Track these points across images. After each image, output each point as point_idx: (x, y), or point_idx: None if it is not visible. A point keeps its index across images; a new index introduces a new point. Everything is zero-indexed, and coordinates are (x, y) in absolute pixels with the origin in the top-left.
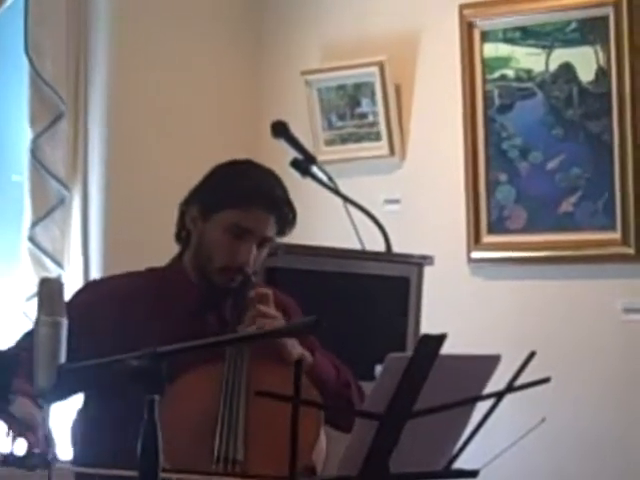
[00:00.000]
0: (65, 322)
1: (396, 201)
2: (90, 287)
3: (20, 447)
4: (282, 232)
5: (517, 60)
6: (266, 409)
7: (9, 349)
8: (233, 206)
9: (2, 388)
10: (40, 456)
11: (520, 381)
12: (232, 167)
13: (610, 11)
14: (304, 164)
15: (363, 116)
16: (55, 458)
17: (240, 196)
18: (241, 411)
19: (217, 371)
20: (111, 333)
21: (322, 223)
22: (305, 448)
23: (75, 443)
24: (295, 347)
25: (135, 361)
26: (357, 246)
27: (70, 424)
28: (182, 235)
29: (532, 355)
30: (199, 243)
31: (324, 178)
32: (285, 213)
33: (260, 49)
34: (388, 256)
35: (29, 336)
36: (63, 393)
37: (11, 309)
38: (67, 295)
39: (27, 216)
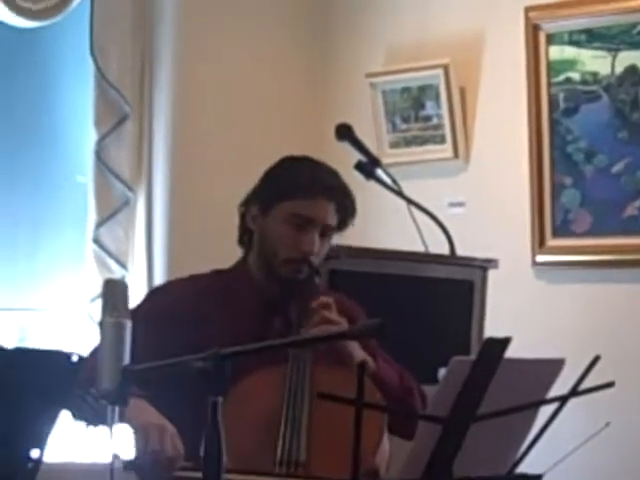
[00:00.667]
0: (129, 323)
1: (460, 204)
2: (157, 292)
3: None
4: (344, 223)
5: (583, 63)
6: (329, 412)
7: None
8: (292, 196)
9: (65, 388)
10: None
11: (584, 385)
12: (288, 161)
13: None
14: (368, 167)
15: (427, 119)
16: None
17: (299, 185)
18: (304, 413)
19: (280, 373)
20: (180, 335)
21: (386, 226)
22: (368, 451)
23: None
24: (357, 351)
25: (199, 362)
26: (421, 249)
27: None
28: (245, 238)
29: (596, 359)
30: (262, 239)
31: (388, 181)
32: (344, 201)
33: (325, 52)
34: (452, 259)
35: None
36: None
37: (76, 310)
38: (131, 297)
39: (91, 217)
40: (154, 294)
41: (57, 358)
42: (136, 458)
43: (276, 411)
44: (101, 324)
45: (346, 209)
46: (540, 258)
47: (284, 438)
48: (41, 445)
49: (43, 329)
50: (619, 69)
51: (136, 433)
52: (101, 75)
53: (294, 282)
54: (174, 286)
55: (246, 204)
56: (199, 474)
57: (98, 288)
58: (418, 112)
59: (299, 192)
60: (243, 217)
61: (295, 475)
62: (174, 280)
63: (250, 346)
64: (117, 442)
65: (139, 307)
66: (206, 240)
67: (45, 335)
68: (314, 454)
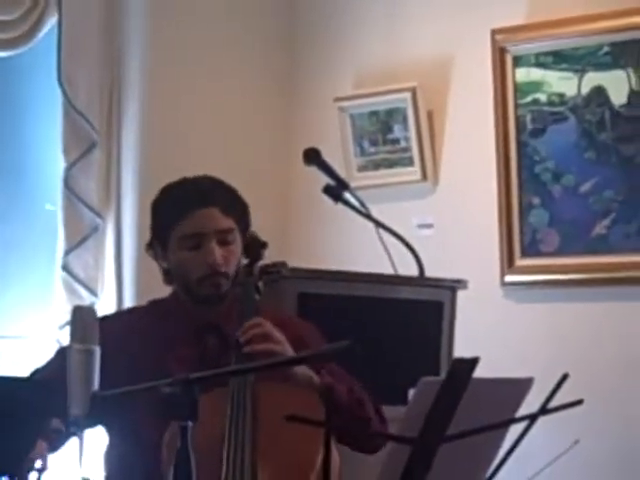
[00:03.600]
0: (98, 350)
1: (429, 226)
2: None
3: None
4: (241, 220)
5: (549, 84)
6: (272, 432)
7: (38, 371)
8: (174, 222)
9: (41, 413)
10: None
11: (553, 403)
12: (161, 191)
13: None
14: (337, 190)
15: (395, 142)
16: None
17: (173, 209)
18: (247, 435)
19: (222, 397)
20: (121, 370)
21: (355, 248)
22: (309, 467)
23: (108, 473)
24: (299, 369)
25: (167, 388)
26: (390, 271)
27: (103, 454)
28: (166, 276)
29: (565, 377)
30: (174, 272)
31: (356, 204)
32: (224, 199)
33: (293, 76)
34: (421, 280)
35: (59, 356)
36: (95, 420)
37: (45, 337)
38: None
39: (60, 245)
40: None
41: (27, 385)
42: None
43: (219, 435)
44: (70, 350)
45: (232, 206)
46: (509, 278)
47: (228, 460)
48: (14, 472)
49: (13, 356)
50: (585, 90)
51: None
52: (69, 103)
53: (217, 298)
54: (114, 319)
55: (150, 246)
56: None
57: (68, 315)
58: (386, 135)
59: (176, 216)
60: (155, 258)
61: None
62: (116, 312)
63: (218, 370)
64: (86, 466)
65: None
66: None
67: (15, 362)
68: (260, 474)
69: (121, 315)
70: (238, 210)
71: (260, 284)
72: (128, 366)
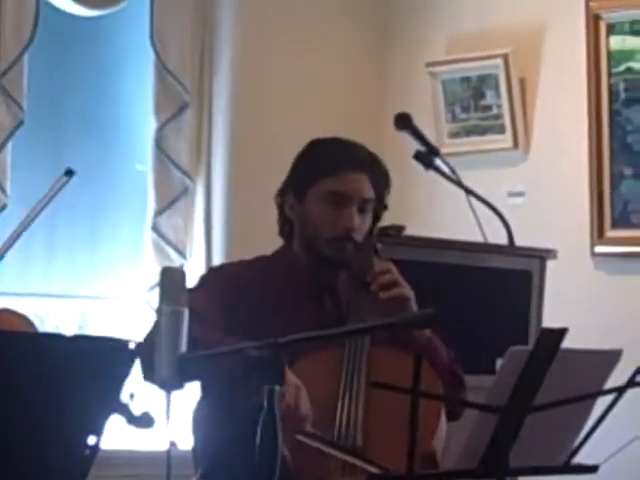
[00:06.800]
0: (186, 312)
1: (519, 194)
2: (218, 269)
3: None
4: (380, 195)
5: None
6: (386, 396)
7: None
8: (324, 175)
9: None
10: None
11: None
12: (314, 143)
13: None
14: (427, 156)
15: (487, 108)
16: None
17: (327, 164)
18: (360, 397)
19: (337, 355)
20: (230, 323)
21: (445, 215)
22: (426, 435)
23: (196, 432)
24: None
25: (255, 351)
26: (480, 239)
27: (192, 413)
28: (285, 228)
29: None
30: (302, 225)
31: (447, 170)
32: (376, 171)
33: (385, 41)
34: (510, 249)
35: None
36: (183, 381)
37: (134, 298)
38: (189, 285)
39: (151, 206)
40: (215, 271)
41: (115, 345)
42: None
43: (333, 394)
44: (158, 312)
45: (379, 179)
46: (599, 249)
47: (340, 422)
48: (98, 432)
49: (103, 317)
50: None
51: None
52: (161, 64)
53: (339, 261)
54: (227, 270)
55: (281, 194)
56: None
57: (157, 276)
58: (478, 102)
59: (329, 170)
60: (281, 208)
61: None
62: (227, 264)
63: (305, 334)
64: (173, 429)
65: (204, 280)
66: (264, 229)
67: (105, 323)
68: (371, 438)
69: (234, 266)
70: (382, 186)
71: (379, 246)
72: (245, 319)
